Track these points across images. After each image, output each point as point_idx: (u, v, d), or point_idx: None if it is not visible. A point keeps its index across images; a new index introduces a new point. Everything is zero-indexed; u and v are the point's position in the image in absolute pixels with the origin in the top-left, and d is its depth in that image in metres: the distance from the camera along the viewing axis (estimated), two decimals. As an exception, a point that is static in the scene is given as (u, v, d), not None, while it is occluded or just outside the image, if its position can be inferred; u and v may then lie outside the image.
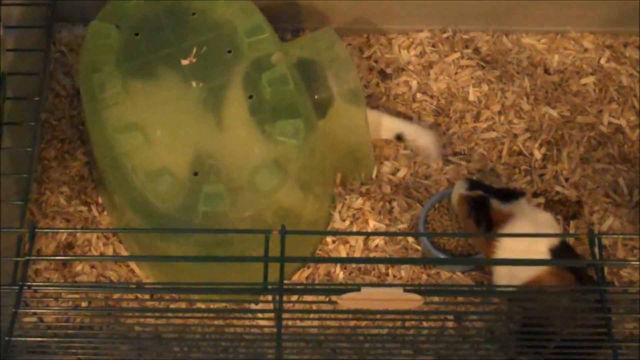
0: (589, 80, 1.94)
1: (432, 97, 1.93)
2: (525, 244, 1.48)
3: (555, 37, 2.01)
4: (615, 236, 1.77)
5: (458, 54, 1.98)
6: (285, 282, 1.18)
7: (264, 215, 1.54)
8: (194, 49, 1.65)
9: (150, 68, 1.63)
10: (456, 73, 1.95)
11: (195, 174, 1.54)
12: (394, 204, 1.79)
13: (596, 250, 1.19)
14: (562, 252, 1.49)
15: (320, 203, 1.72)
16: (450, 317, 1.56)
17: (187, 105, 1.60)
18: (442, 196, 1.76)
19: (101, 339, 1.44)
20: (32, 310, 1.24)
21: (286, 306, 1.62)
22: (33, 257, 1.28)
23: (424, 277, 1.72)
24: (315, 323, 1.55)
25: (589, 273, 1.51)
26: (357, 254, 1.74)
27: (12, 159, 1.66)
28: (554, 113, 1.89)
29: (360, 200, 1.79)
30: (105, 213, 1.80)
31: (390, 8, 1.96)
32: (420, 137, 1.84)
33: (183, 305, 1.70)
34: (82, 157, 1.86)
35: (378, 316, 1.34)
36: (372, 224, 1.77)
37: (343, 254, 1.75)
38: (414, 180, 1.83)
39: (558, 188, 1.80)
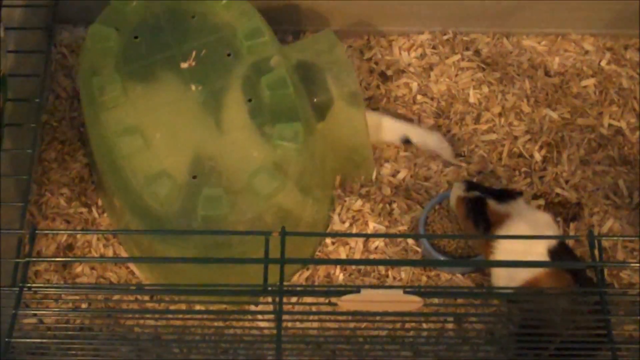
0: (590, 82, 1.94)
1: (432, 99, 1.93)
2: (524, 245, 1.48)
3: (556, 39, 2.01)
4: (615, 238, 1.77)
5: (458, 56, 1.97)
6: (285, 283, 1.18)
7: (263, 218, 1.54)
8: (194, 52, 1.65)
9: (149, 71, 1.63)
10: (456, 75, 1.95)
11: (195, 177, 1.54)
12: (394, 205, 1.79)
13: (596, 252, 1.19)
14: (560, 252, 1.49)
15: (319, 205, 1.72)
16: (450, 318, 1.56)
17: (186, 108, 1.60)
18: (442, 198, 1.76)
19: (101, 340, 1.44)
20: (32, 312, 1.24)
21: (286, 308, 1.61)
22: (33, 259, 1.27)
23: (424, 278, 1.72)
24: (315, 325, 1.55)
25: (588, 274, 1.51)
26: (357, 256, 1.74)
27: (13, 160, 1.66)
28: (554, 115, 1.89)
29: (359, 202, 1.79)
30: (105, 215, 1.80)
31: (390, 10, 1.96)
32: (428, 139, 1.84)
33: (183, 306, 1.70)
34: (82, 159, 1.86)
35: (378, 318, 1.34)
36: (372, 226, 1.77)
37: (343, 256, 1.74)
38: (414, 182, 1.83)
39: (558, 190, 1.80)
